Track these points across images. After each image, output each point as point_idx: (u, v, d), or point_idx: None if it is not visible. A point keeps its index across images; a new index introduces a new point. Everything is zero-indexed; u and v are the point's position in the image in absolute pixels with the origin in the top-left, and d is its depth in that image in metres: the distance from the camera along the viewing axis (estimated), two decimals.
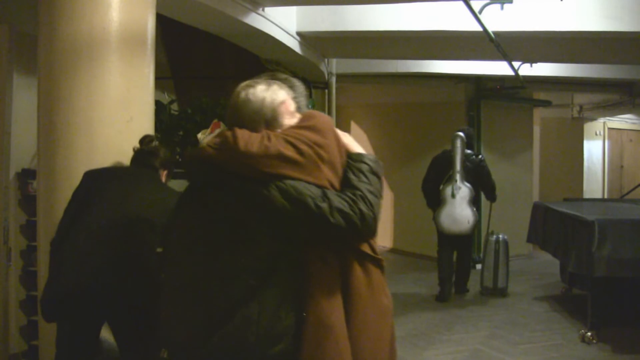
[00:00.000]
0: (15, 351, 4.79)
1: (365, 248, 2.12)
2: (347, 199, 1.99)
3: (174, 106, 5.94)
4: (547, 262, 9.01)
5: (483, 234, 9.70)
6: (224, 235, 1.99)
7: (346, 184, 2.06)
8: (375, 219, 2.04)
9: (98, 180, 3.01)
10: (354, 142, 2.22)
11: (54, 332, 2.97)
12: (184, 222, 2.12)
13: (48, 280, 2.89)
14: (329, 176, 2.05)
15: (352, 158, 2.14)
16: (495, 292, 7.74)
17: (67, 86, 3.19)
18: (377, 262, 2.15)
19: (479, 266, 8.57)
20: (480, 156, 7.82)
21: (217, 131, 2.20)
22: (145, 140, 3.19)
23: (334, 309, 2.02)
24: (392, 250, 10.95)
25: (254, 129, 2.06)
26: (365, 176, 2.08)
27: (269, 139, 2.00)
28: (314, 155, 2.02)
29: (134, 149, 3.17)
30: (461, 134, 7.43)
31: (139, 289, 2.76)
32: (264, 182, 1.95)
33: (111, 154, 3.23)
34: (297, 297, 2.00)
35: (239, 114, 2.10)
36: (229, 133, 2.02)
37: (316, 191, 1.97)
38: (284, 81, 2.20)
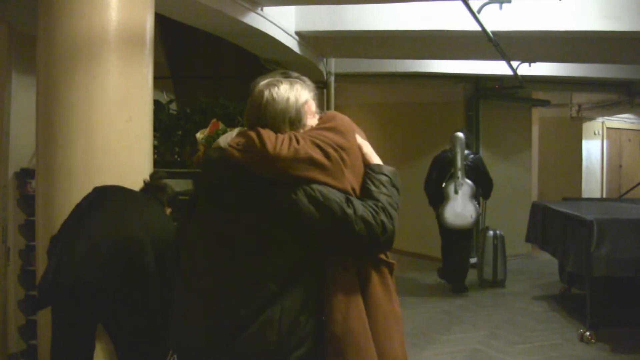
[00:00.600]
0: (13, 350, 4.79)
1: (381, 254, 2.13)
2: (370, 209, 1.98)
3: (173, 106, 5.94)
4: (546, 262, 9.01)
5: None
6: (248, 240, 1.95)
7: (367, 195, 2.04)
8: (394, 232, 2.03)
9: (108, 191, 3.07)
10: (373, 153, 2.19)
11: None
12: (204, 224, 2.07)
13: (47, 268, 2.89)
14: (352, 181, 2.04)
15: (372, 169, 2.12)
16: (495, 284, 8.15)
17: (66, 86, 3.19)
18: (390, 267, 2.16)
19: (472, 260, 8.73)
20: (478, 155, 8.18)
21: (235, 130, 2.11)
22: (155, 175, 3.25)
23: (352, 314, 2.00)
24: (392, 250, 10.90)
25: (277, 129, 2.02)
26: (386, 187, 2.07)
27: (297, 141, 1.95)
28: (338, 159, 2.00)
29: (144, 181, 3.23)
30: (461, 134, 7.73)
31: (135, 294, 2.76)
32: (291, 186, 1.92)
33: (110, 154, 3.23)
34: (318, 303, 1.99)
35: (262, 114, 2.04)
36: (253, 134, 1.97)
37: (341, 197, 1.95)
38: (302, 80, 2.16)
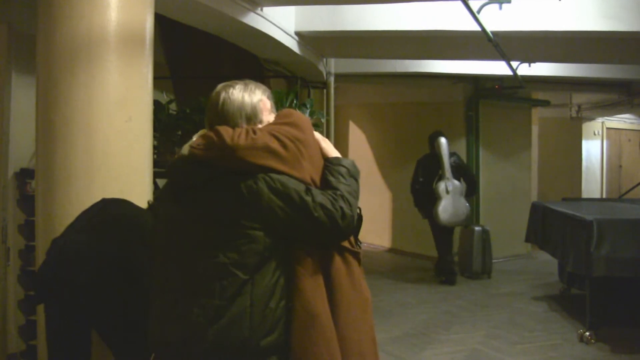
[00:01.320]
0: (13, 351, 4.78)
1: (345, 242, 2.21)
2: (329, 197, 2.08)
3: (173, 106, 5.94)
4: (546, 262, 9.02)
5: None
6: (215, 232, 2.04)
7: (326, 186, 2.16)
8: (354, 218, 2.11)
9: (113, 204, 3.08)
10: (331, 147, 2.32)
11: None
12: (172, 221, 2.17)
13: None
14: (311, 172, 2.15)
15: (330, 161, 2.24)
16: (483, 275, 8.74)
17: (65, 86, 3.18)
18: (356, 255, 2.25)
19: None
20: (457, 155, 8.67)
21: (195, 135, 2.22)
22: None
23: (318, 299, 2.10)
24: (391, 250, 10.95)
25: (235, 125, 2.16)
26: (344, 178, 2.18)
27: (254, 132, 2.10)
28: (295, 150, 2.11)
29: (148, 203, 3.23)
30: (443, 138, 8.39)
31: (125, 292, 2.74)
32: (252, 175, 2.03)
33: (110, 154, 3.23)
34: (286, 288, 2.08)
35: (220, 112, 2.20)
36: (211, 132, 2.11)
37: (300, 186, 2.06)
38: (256, 84, 2.30)
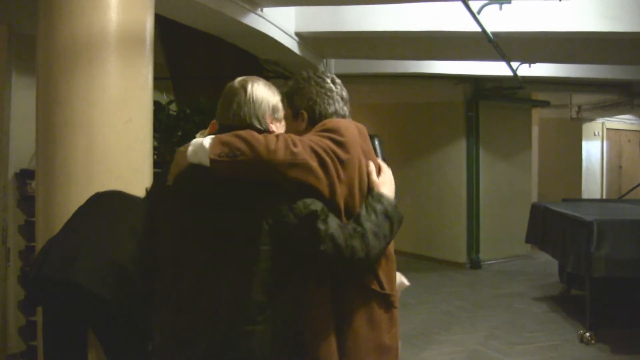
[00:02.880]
0: (13, 351, 4.78)
1: (372, 283, 2.06)
2: (346, 231, 1.92)
3: (173, 106, 5.94)
4: (546, 263, 9.02)
5: (482, 233, 9.74)
6: (235, 246, 1.92)
7: (355, 218, 1.99)
8: (366, 261, 1.96)
9: (105, 197, 3.07)
10: (386, 180, 2.15)
11: None
12: (178, 241, 2.02)
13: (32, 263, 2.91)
14: (346, 196, 2.00)
15: (372, 195, 2.06)
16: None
17: (65, 86, 3.18)
18: (385, 299, 2.10)
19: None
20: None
21: (204, 139, 1.99)
22: None
23: (321, 340, 1.98)
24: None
25: (257, 124, 2.04)
26: (376, 216, 2.00)
27: (294, 144, 1.91)
28: (334, 171, 1.95)
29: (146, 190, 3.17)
30: (376, 138, 8.24)
31: (122, 301, 2.72)
32: (275, 195, 1.90)
33: (110, 155, 3.23)
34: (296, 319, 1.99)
35: (243, 106, 2.06)
36: (236, 139, 1.91)
37: (321, 209, 1.91)
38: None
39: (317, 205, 1.90)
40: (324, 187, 1.94)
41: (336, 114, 2.26)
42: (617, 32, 5.53)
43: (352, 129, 2.11)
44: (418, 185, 10.18)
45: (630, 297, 6.12)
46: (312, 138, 1.98)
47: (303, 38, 6.58)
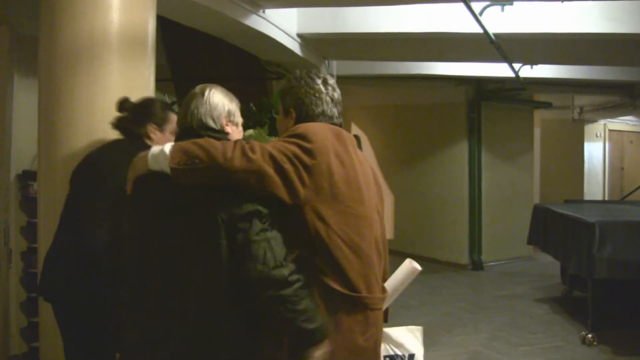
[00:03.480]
0: (15, 352, 4.78)
1: (333, 283, 2.08)
2: (268, 251, 1.94)
3: (175, 108, 5.94)
4: (548, 264, 9.01)
5: (484, 234, 9.73)
6: (197, 245, 1.98)
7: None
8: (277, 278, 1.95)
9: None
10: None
11: (55, 333, 2.95)
12: (145, 234, 2.08)
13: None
14: (312, 200, 2.05)
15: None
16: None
17: (67, 88, 3.19)
18: (354, 301, 2.11)
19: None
20: None
21: (162, 147, 2.07)
22: (124, 104, 3.01)
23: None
24: (391, 252, 10.87)
25: (214, 126, 2.16)
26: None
27: (252, 150, 1.98)
28: (295, 177, 2.01)
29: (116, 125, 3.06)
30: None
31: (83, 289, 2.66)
32: (232, 192, 1.97)
33: None
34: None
35: (199, 109, 2.18)
36: (194, 147, 1.98)
37: (263, 214, 1.97)
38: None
39: (257, 208, 1.96)
40: (282, 193, 2.00)
41: (323, 115, 2.30)
42: (619, 33, 5.52)
43: (323, 134, 2.14)
44: (420, 186, 10.17)
45: (633, 298, 6.11)
46: (278, 144, 2.05)
47: (305, 39, 6.58)
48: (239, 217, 1.94)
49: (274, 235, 1.96)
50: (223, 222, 1.94)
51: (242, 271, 1.93)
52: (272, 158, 1.99)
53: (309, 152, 2.05)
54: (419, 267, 2.81)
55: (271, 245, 1.94)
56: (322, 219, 2.06)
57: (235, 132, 2.27)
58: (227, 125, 2.22)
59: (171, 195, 2.03)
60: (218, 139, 2.09)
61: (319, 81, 2.35)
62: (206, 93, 2.22)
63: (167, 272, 2.01)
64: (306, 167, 2.03)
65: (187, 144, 2.01)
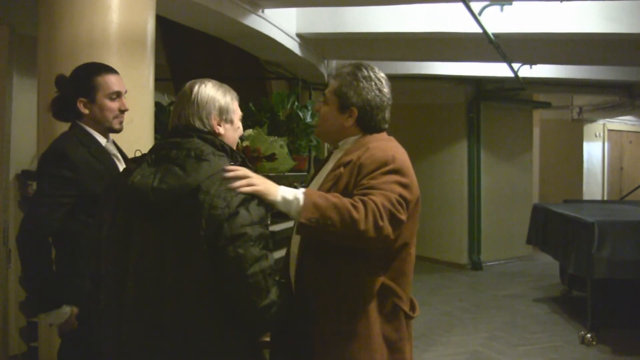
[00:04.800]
0: (14, 352, 4.78)
1: (405, 307, 2.24)
2: (261, 275, 1.90)
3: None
4: (547, 264, 9.02)
5: (483, 234, 9.73)
6: (174, 254, 1.90)
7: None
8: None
9: None
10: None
11: (54, 334, 2.95)
12: (123, 242, 1.99)
13: None
14: (410, 228, 2.21)
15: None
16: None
17: None
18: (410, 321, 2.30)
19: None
20: None
21: (300, 191, 2.03)
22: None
23: None
24: None
25: (198, 126, 2.05)
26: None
27: (381, 217, 1.99)
28: (404, 218, 2.08)
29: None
30: None
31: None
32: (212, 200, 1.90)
33: None
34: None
35: (186, 110, 2.08)
36: (332, 212, 1.95)
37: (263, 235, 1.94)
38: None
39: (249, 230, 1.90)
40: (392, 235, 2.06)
41: (384, 120, 2.29)
42: (618, 33, 5.53)
43: (407, 159, 2.22)
44: (419, 186, 10.16)
45: (632, 298, 6.12)
46: (384, 190, 2.03)
47: (304, 39, 6.58)
48: (230, 237, 1.85)
49: (270, 265, 1.93)
50: (205, 236, 1.85)
51: (239, 299, 1.91)
52: (392, 216, 2.00)
53: (408, 187, 2.11)
54: None
55: (266, 278, 1.91)
56: (407, 244, 2.21)
57: (230, 131, 2.12)
58: (218, 125, 2.07)
59: (152, 198, 1.91)
60: (208, 140, 2.01)
61: (387, 86, 2.29)
62: (194, 90, 2.09)
63: (143, 279, 1.92)
64: (407, 203, 2.09)
65: (321, 199, 1.98)
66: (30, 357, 4.65)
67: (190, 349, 1.89)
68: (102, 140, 2.64)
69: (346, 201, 1.97)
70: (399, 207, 2.02)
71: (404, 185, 2.09)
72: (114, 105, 2.61)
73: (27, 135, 4.38)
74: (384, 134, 2.31)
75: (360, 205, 1.95)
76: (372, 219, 1.94)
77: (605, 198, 13.51)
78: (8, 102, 4.56)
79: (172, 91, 6.98)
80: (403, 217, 2.03)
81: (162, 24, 5.66)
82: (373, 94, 2.23)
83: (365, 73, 2.24)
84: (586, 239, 5.52)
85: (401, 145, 2.29)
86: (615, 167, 14.38)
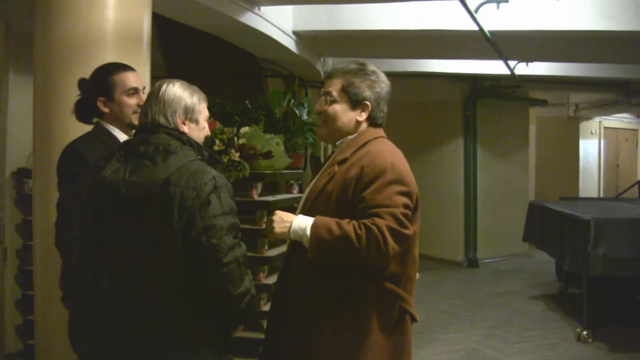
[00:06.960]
0: (11, 350, 4.78)
1: (410, 309, 2.28)
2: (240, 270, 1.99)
3: None
4: (543, 261, 9.03)
5: (480, 231, 9.73)
6: (149, 250, 1.94)
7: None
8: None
9: None
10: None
11: (50, 331, 2.96)
12: (97, 238, 2.02)
13: None
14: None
15: None
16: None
17: (63, 85, 3.18)
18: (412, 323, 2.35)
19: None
20: None
21: (309, 226, 2.15)
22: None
23: None
24: None
25: (162, 123, 2.09)
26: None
27: (385, 243, 2.07)
28: (411, 226, 2.19)
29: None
30: None
31: None
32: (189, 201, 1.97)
33: None
34: None
35: (153, 107, 2.11)
36: (338, 245, 2.09)
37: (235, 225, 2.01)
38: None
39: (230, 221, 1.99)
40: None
41: (383, 118, 2.38)
42: (615, 31, 5.53)
43: (403, 161, 2.27)
44: (416, 184, 10.17)
45: (628, 295, 6.14)
46: (389, 207, 2.09)
47: (300, 37, 6.58)
48: (203, 228, 1.91)
49: (243, 253, 2.01)
50: (178, 227, 1.91)
51: (210, 290, 1.96)
52: (398, 236, 2.07)
53: (409, 195, 2.17)
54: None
55: (240, 267, 1.98)
56: (410, 248, 2.25)
57: (195, 130, 2.16)
58: (183, 123, 2.11)
59: (124, 190, 1.96)
60: (174, 135, 2.06)
61: (384, 77, 2.38)
62: (162, 89, 2.12)
63: (117, 272, 1.96)
64: (411, 210, 2.16)
65: (329, 235, 2.08)
66: (26, 355, 4.65)
67: (164, 340, 1.92)
68: (122, 137, 2.66)
69: (351, 231, 2.05)
70: (404, 221, 2.09)
71: (406, 194, 2.15)
72: (132, 101, 2.65)
73: (23, 133, 4.38)
74: (380, 131, 2.36)
75: (363, 235, 2.03)
76: (375, 248, 2.03)
77: (601, 195, 13.54)
78: (4, 100, 4.56)
79: None
80: (409, 232, 2.10)
81: (159, 21, 5.65)
82: (380, 87, 2.32)
83: (371, 68, 2.33)
84: (582, 237, 5.52)
85: (396, 145, 2.35)
86: (611, 164, 14.41)
